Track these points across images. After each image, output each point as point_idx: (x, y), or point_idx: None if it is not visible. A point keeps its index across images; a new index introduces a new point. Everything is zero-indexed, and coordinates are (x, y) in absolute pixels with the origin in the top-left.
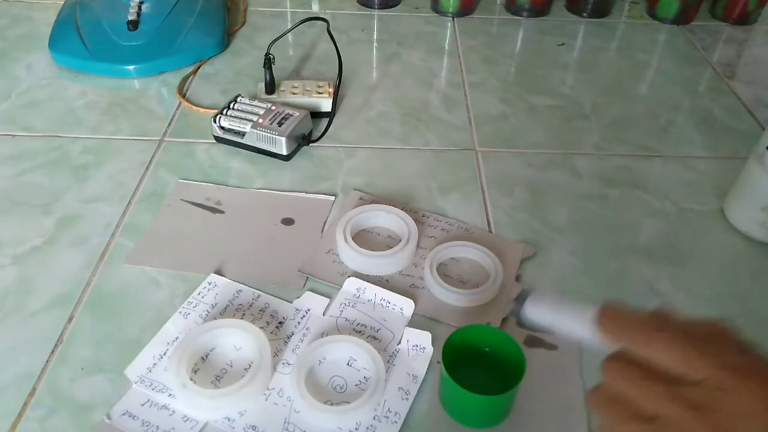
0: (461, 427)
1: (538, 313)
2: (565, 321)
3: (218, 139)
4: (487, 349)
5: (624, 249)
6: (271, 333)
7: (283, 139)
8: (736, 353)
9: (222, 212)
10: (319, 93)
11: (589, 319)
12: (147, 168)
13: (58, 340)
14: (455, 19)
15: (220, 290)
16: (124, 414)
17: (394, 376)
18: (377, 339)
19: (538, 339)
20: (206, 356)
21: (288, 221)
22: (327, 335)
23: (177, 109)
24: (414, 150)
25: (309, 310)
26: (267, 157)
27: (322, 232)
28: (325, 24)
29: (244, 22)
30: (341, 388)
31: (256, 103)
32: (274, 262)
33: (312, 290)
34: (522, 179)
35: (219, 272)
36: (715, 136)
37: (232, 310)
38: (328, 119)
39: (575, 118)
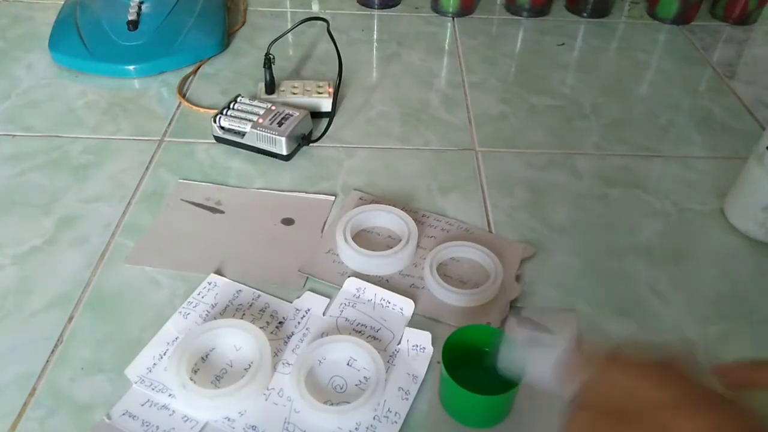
0: (461, 427)
1: (511, 360)
2: (534, 364)
3: (218, 139)
4: (487, 349)
5: (624, 249)
6: (271, 333)
7: (283, 139)
8: (679, 385)
9: (222, 212)
10: (319, 93)
11: (552, 363)
12: (147, 168)
13: (58, 340)
14: (455, 19)
15: (220, 290)
16: (124, 414)
17: (394, 376)
18: (377, 339)
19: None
20: (206, 356)
21: (288, 221)
22: (327, 335)
23: (177, 109)
24: (414, 150)
25: (309, 310)
26: (267, 157)
27: (322, 232)
28: (325, 24)
29: (244, 22)
30: (341, 388)
31: (256, 103)
32: (274, 262)
33: (312, 290)
34: (522, 179)
35: (219, 272)
36: (715, 136)
37: (232, 310)
38: (328, 119)
39: (575, 118)
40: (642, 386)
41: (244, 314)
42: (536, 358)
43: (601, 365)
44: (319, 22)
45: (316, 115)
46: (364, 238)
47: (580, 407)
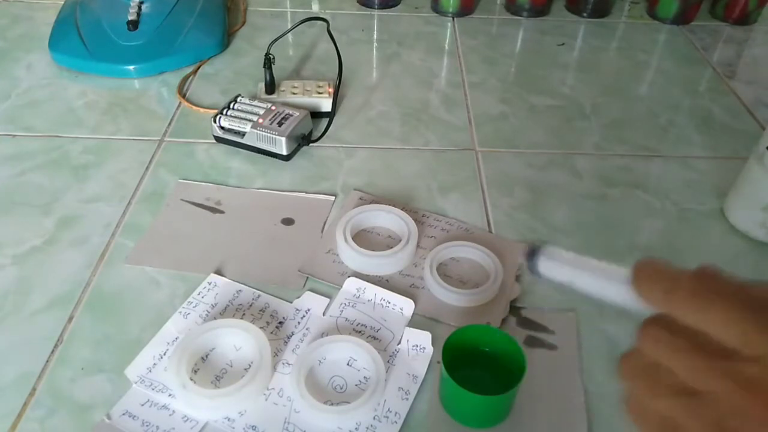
0: (461, 427)
1: (555, 264)
2: (589, 277)
3: (218, 139)
4: (487, 349)
5: (624, 249)
6: (271, 333)
7: (283, 139)
8: None
9: (222, 212)
10: (319, 93)
11: (619, 277)
12: (147, 168)
13: (58, 340)
14: (455, 19)
15: (220, 290)
16: (124, 414)
17: (394, 376)
18: (377, 339)
19: (538, 339)
20: (206, 356)
21: (288, 221)
22: (327, 335)
23: (177, 109)
24: (414, 150)
25: (309, 310)
26: (267, 157)
27: (322, 232)
28: (325, 24)
29: (244, 22)
30: (341, 388)
31: (256, 103)
32: (274, 262)
33: (312, 290)
34: (522, 179)
35: (219, 272)
36: (715, 136)
37: (232, 310)
38: (328, 119)
39: (575, 118)
40: (754, 326)
41: (244, 314)
42: (595, 268)
43: (694, 287)
44: (319, 22)
45: (316, 115)
46: (364, 238)
47: (657, 335)
